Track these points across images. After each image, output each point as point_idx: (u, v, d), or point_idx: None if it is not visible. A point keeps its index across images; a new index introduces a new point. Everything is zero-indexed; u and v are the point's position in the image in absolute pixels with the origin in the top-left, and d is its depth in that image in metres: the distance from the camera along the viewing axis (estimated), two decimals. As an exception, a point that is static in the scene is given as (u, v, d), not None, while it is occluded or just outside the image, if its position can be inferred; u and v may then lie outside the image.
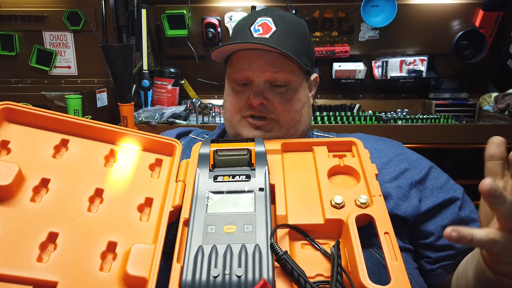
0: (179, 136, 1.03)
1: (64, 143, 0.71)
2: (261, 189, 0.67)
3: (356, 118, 2.04)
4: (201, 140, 0.98)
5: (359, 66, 2.28)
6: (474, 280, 0.66)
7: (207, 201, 0.66)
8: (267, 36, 0.84)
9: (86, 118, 0.74)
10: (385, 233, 0.61)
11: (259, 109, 0.86)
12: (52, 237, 0.59)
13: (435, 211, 0.84)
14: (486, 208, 0.58)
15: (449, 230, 0.52)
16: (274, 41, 0.83)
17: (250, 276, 0.54)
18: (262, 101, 0.85)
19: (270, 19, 0.86)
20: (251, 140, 0.77)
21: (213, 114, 2.09)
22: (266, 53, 0.85)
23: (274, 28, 0.85)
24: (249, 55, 0.86)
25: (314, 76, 0.96)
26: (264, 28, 0.85)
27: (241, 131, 0.89)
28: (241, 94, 0.88)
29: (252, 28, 0.86)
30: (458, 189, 0.87)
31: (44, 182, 0.64)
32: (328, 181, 0.72)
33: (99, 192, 0.67)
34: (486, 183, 0.49)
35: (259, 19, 0.87)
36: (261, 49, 0.84)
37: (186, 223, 0.63)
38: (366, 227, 0.67)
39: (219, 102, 2.34)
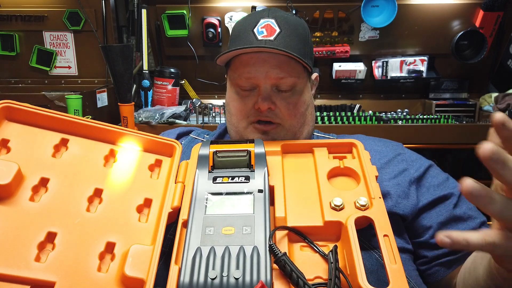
0: (180, 136, 1.03)
1: (64, 142, 0.71)
2: (260, 191, 0.67)
3: (356, 118, 2.03)
4: (202, 140, 0.98)
5: (359, 66, 2.28)
6: (485, 277, 0.61)
7: (206, 203, 0.65)
8: (271, 38, 0.83)
9: (87, 118, 0.74)
10: (385, 235, 0.61)
11: (266, 114, 0.85)
12: (51, 237, 0.59)
13: (429, 208, 0.83)
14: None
15: (441, 236, 0.47)
16: (279, 43, 0.82)
17: (248, 278, 0.54)
18: (270, 105, 0.84)
19: (273, 20, 0.85)
20: (251, 141, 0.77)
21: (213, 114, 2.09)
22: (271, 57, 0.83)
23: (278, 30, 0.84)
24: (254, 60, 0.84)
25: (314, 75, 0.96)
26: (268, 30, 0.84)
27: (248, 137, 0.88)
28: (247, 99, 0.87)
29: (255, 30, 0.84)
30: (456, 186, 0.86)
31: (43, 182, 0.64)
32: (328, 183, 0.72)
33: (98, 192, 0.67)
34: (485, 146, 0.41)
35: (262, 20, 0.85)
36: (267, 52, 0.83)
37: (185, 224, 0.63)
38: (366, 227, 0.67)
39: (219, 102, 2.34)
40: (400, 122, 1.99)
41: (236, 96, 0.89)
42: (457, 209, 0.83)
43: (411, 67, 2.29)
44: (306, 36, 0.89)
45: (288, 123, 0.87)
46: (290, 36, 0.84)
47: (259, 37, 0.83)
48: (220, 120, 2.06)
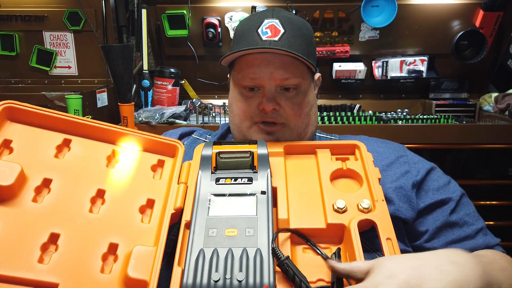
0: (182, 136, 1.03)
1: (66, 143, 0.71)
2: (263, 192, 0.67)
3: (356, 118, 2.03)
4: (204, 141, 0.98)
5: (359, 66, 2.28)
6: None
7: (209, 204, 0.65)
8: (276, 38, 0.83)
9: (87, 118, 0.74)
10: (387, 238, 0.61)
11: (271, 115, 0.85)
12: (54, 238, 0.59)
13: (427, 212, 0.83)
14: None
15: None
16: (284, 44, 0.82)
17: (251, 281, 0.54)
18: (275, 106, 0.84)
19: (277, 20, 0.84)
20: (254, 142, 0.77)
21: (213, 114, 2.09)
22: (276, 57, 0.83)
23: (282, 30, 0.83)
24: (259, 61, 0.84)
25: (317, 75, 0.96)
26: (272, 30, 0.83)
27: (252, 137, 0.87)
28: (251, 99, 0.87)
29: (259, 31, 0.84)
30: (456, 191, 0.86)
31: (46, 182, 0.64)
32: (331, 185, 0.72)
33: (100, 193, 0.67)
34: None
35: (266, 20, 0.85)
36: (272, 52, 0.83)
37: (188, 225, 0.63)
38: (368, 229, 0.67)
39: (219, 102, 2.34)
40: (400, 122, 1.99)
41: (240, 96, 0.88)
42: (454, 215, 0.84)
43: (411, 67, 2.29)
44: (310, 37, 0.89)
45: (293, 123, 0.87)
46: (295, 36, 0.84)
47: (264, 38, 0.83)
48: (220, 120, 2.06)
